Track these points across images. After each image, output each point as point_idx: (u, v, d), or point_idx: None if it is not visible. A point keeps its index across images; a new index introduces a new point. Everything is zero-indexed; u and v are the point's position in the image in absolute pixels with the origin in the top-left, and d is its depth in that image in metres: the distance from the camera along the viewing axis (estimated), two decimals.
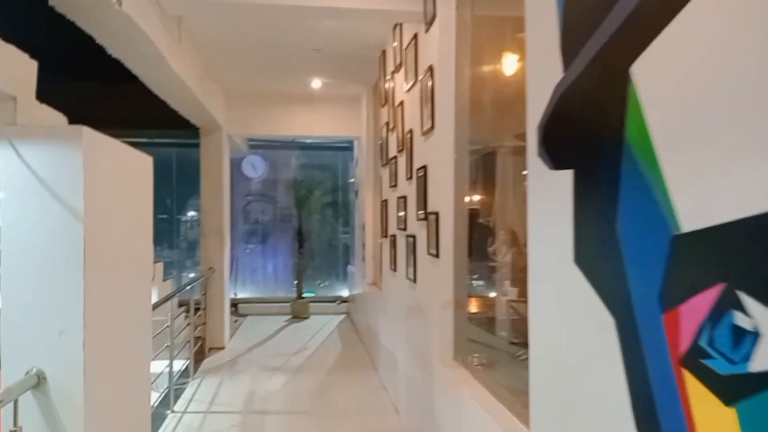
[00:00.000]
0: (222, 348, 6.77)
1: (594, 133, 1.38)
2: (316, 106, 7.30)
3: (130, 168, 2.84)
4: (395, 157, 4.66)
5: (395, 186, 4.68)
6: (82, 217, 2.08)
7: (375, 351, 5.89)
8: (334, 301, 9.58)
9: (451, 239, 3.19)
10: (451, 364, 3.19)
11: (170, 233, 9.95)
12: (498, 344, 3.46)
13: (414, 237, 3.89)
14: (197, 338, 6.46)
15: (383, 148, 5.31)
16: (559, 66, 1.52)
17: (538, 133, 1.69)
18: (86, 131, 2.14)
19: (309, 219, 9.40)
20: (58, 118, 2.51)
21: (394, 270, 4.70)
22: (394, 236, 4.72)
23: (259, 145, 9.72)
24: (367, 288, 6.74)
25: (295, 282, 9.33)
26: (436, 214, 3.29)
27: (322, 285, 10.20)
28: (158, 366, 4.59)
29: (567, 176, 1.50)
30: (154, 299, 4.94)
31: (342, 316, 9.01)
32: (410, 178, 4.04)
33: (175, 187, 9.80)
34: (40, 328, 2.09)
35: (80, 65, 7.30)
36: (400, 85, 4.45)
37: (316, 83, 6.63)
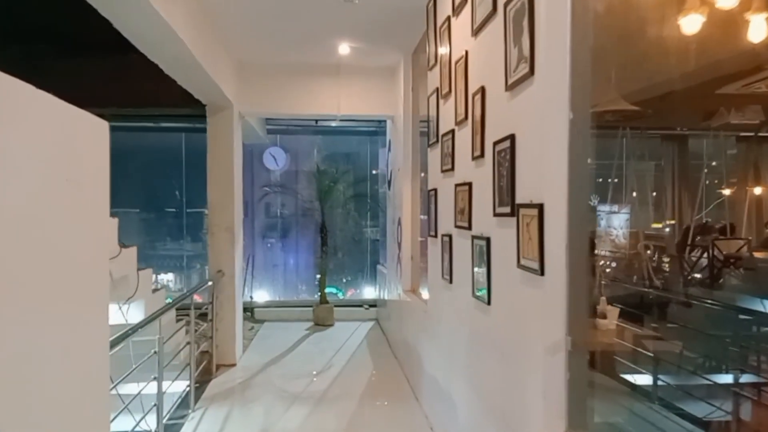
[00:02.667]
0: (233, 365, 5.71)
1: None
2: (342, 80, 6.17)
3: (66, 135, 1.75)
4: (451, 132, 3.51)
5: (450, 170, 3.53)
6: None
7: (416, 376, 4.76)
8: (360, 306, 8.48)
9: (563, 246, 2.04)
10: None
11: (179, 229, 8.95)
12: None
13: (488, 240, 2.74)
14: (203, 353, 5.42)
15: (431, 123, 4.16)
16: None
17: None
18: None
19: (333, 213, 8.29)
20: None
21: (449, 281, 3.56)
22: (448, 236, 3.57)
23: (278, 130, 8.66)
24: (403, 295, 5.61)
25: (318, 284, 8.27)
26: (539, 207, 2.13)
27: (346, 281, 9.14)
28: (148, 400, 3.54)
29: None
30: (140, 316, 3.89)
31: (370, 323, 7.91)
32: (480, 156, 2.89)
33: (185, 178, 8.79)
34: None
35: (74, 38, 6.31)
36: (461, 32, 3.29)
37: (344, 49, 5.49)
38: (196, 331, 5.66)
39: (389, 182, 6.83)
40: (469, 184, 3.10)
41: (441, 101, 3.85)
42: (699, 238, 6.71)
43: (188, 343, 4.43)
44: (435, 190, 4.01)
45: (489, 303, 2.74)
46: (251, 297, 8.32)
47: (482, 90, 2.87)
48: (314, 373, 5.50)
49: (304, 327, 7.62)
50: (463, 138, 3.26)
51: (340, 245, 8.68)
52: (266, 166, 8.99)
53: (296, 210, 9.20)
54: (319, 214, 8.05)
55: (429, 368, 4.22)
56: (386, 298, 7.16)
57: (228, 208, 5.82)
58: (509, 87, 2.47)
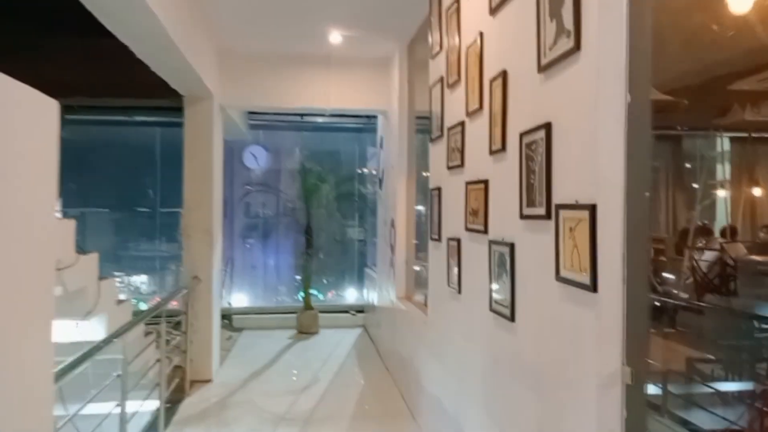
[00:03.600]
0: (209, 381, 5.24)
1: None
2: (333, 72, 5.75)
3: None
4: (461, 124, 3.12)
5: (459, 166, 3.14)
6: None
7: (413, 393, 4.36)
8: (347, 312, 8.05)
9: (620, 257, 1.66)
10: None
11: (152, 230, 8.43)
12: None
13: (511, 246, 2.35)
14: (176, 368, 4.95)
15: (434, 116, 3.77)
16: None
17: None
18: None
19: (318, 213, 7.85)
20: None
21: (457, 290, 3.16)
22: (456, 240, 3.18)
23: (261, 125, 8.19)
24: (397, 302, 5.21)
25: (301, 290, 7.84)
26: (590, 209, 1.75)
27: (327, 282, 8.72)
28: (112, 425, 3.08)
29: None
30: (102, 333, 3.42)
31: (357, 331, 7.49)
32: (500, 150, 2.50)
33: (160, 175, 8.27)
34: None
35: (36, 17, 5.78)
36: (474, 12, 2.91)
37: (335, 38, 5.08)
38: (168, 342, 5.21)
39: (380, 181, 6.43)
40: (485, 182, 2.71)
41: (447, 91, 3.46)
42: (701, 239, 6.45)
43: (158, 360, 3.95)
44: (439, 188, 3.62)
45: (513, 319, 2.35)
46: (229, 303, 7.84)
47: (503, 75, 2.49)
48: (294, 376, 5.07)
49: (287, 335, 7.16)
50: (477, 130, 2.87)
51: (325, 247, 8.24)
52: (246, 165, 8.54)
53: (279, 210, 8.75)
54: (303, 214, 7.60)
55: (430, 387, 3.82)
56: (376, 303, 6.75)
57: (205, 207, 5.36)
58: (544, 68, 2.08)
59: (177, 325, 5.04)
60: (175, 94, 5.34)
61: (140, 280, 9.00)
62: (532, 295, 2.19)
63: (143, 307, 9.05)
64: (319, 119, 8.14)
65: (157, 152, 8.27)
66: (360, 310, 7.94)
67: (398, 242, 5.27)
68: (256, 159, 8.56)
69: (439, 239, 3.60)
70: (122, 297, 4.49)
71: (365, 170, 8.86)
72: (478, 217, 2.81)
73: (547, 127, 2.04)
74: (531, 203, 2.17)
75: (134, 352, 3.72)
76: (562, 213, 1.92)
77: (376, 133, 7.21)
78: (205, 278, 5.33)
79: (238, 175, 8.63)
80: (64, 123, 7.76)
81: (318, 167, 7.79)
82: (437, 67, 3.71)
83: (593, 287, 1.73)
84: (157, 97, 5.71)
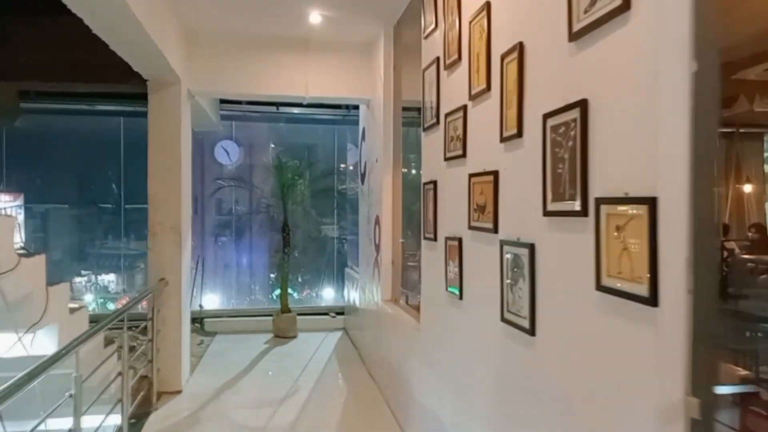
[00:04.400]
0: (178, 392, 4.81)
1: None
2: (312, 57, 5.35)
3: None
4: (462, 109, 2.78)
5: (460, 156, 2.80)
6: None
7: (402, 404, 4.02)
8: (326, 314, 7.67)
9: (683, 262, 1.33)
10: None
11: (116, 228, 7.90)
12: None
13: (531, 247, 2.02)
14: (142, 379, 4.52)
15: (427, 102, 3.42)
16: None
17: None
18: None
19: (295, 210, 7.43)
20: None
21: (458, 296, 2.82)
22: (457, 240, 2.84)
23: (233, 116, 7.73)
24: (382, 305, 4.86)
25: (277, 290, 7.44)
26: (650, 203, 1.41)
27: (302, 280, 8.33)
28: None
29: None
30: (51, 347, 2.98)
31: (338, 334, 7.12)
32: (515, 136, 2.16)
33: (123, 169, 7.74)
34: None
35: None
36: None
37: (315, 18, 4.68)
38: (132, 350, 4.78)
39: (362, 176, 6.05)
40: (494, 174, 2.37)
41: (444, 74, 3.11)
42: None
43: (119, 374, 3.52)
44: (434, 182, 3.27)
45: (532, 333, 2.01)
46: (201, 306, 7.37)
47: (519, 48, 2.15)
48: (279, 399, 4.68)
49: (263, 340, 6.75)
50: (484, 114, 2.53)
51: (302, 245, 7.84)
52: (217, 160, 8.10)
53: (252, 207, 8.31)
54: (279, 211, 7.18)
55: (423, 399, 3.48)
56: (358, 305, 6.38)
57: (173, 203, 4.91)
58: (576, 35, 1.74)
59: (144, 330, 4.60)
60: (138, 79, 4.88)
61: (108, 279, 8.57)
62: (559, 305, 1.85)
63: (111, 307, 8.65)
64: (295, 110, 7.72)
65: (121, 144, 7.74)
66: (340, 311, 7.56)
67: (384, 241, 4.90)
68: (228, 154, 8.13)
69: (434, 238, 3.26)
70: (75, 303, 4.02)
71: (345, 165, 8.48)
72: (485, 213, 2.47)
73: (582, 105, 1.70)
74: (558, 197, 1.83)
75: (92, 365, 3.30)
76: (605, 208, 1.58)
77: (355, 125, 6.83)
78: (173, 280, 4.89)
79: (209, 170, 8.17)
80: (20, 111, 7.19)
81: (295, 161, 7.36)
82: (432, 48, 3.35)
83: (652, 300, 1.40)
84: (119, 81, 5.24)
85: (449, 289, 2.96)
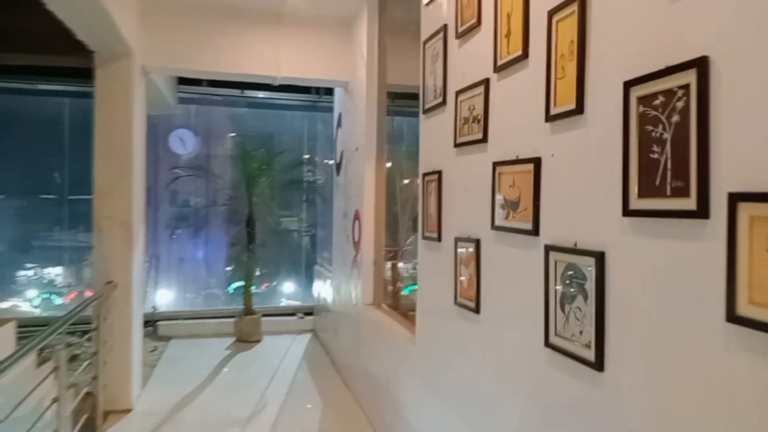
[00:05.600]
0: (128, 411, 4.19)
1: None
2: (285, 32, 4.77)
3: None
4: (482, 84, 2.29)
5: (479, 141, 2.32)
6: None
7: (387, 422, 3.53)
8: (293, 314, 7.10)
9: None
10: None
11: (59, 221, 7.11)
12: None
13: (599, 256, 1.55)
14: (87, 396, 3.89)
15: (429, 79, 2.92)
16: None
17: None
18: None
19: (261, 203, 6.82)
20: None
21: (473, 309, 2.34)
22: (473, 242, 2.36)
23: (193, 99, 7.05)
24: (363, 310, 4.36)
25: (236, 288, 6.85)
26: None
27: (260, 274, 7.73)
28: None
29: None
30: None
31: (306, 336, 6.59)
32: (571, 112, 1.69)
33: (68, 156, 6.95)
34: None
35: None
36: None
37: None
38: (75, 359, 4.16)
39: (338, 166, 5.51)
40: (535, 161, 1.90)
41: (453, 44, 2.62)
42: None
43: (55, 400, 2.90)
44: (438, 173, 2.78)
45: (600, 368, 1.55)
46: (154, 307, 6.68)
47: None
48: (245, 417, 4.12)
49: (224, 345, 6.14)
50: (517, 88, 2.05)
51: (269, 240, 7.23)
52: (173, 149, 7.41)
53: (214, 199, 7.67)
54: (244, 203, 6.56)
55: (421, 426, 2.99)
56: (331, 307, 5.86)
57: (124, 195, 4.27)
58: None
59: (89, 338, 3.97)
60: (83, 51, 4.20)
61: (55, 272, 7.90)
62: (650, 336, 1.39)
63: (57, 301, 7.92)
64: (261, 94, 7.08)
65: (66, 128, 6.94)
66: (308, 312, 7.01)
67: (365, 238, 4.40)
68: (184, 144, 7.44)
69: (437, 239, 2.77)
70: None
71: (316, 155, 7.92)
72: (519, 211, 2.00)
73: (701, 65, 1.24)
74: (652, 191, 1.37)
75: (18, 393, 2.69)
76: (745, 208, 1.13)
77: (328, 112, 6.29)
78: (122, 282, 4.25)
79: (165, 158, 7.46)
80: None
81: (261, 150, 6.74)
82: (435, 16, 2.86)
83: None
84: (59, 53, 4.53)
85: (460, 299, 2.49)
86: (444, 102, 2.71)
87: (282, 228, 8.20)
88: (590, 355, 1.58)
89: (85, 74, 4.55)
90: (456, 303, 2.52)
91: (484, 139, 2.28)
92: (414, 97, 3.11)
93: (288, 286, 8.22)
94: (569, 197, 1.73)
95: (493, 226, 2.19)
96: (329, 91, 6.41)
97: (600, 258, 1.55)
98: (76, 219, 7.29)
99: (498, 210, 2.16)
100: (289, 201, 7.86)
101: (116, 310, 4.21)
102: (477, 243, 2.33)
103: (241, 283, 6.73)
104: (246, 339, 6.28)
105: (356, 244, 4.62)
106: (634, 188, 1.43)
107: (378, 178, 4.38)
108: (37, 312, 7.56)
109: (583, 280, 1.63)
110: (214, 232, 7.87)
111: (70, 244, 7.47)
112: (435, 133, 2.84)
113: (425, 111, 2.98)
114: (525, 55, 1.98)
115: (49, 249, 7.53)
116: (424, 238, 2.97)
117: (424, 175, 2.97)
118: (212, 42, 4.66)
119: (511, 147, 2.09)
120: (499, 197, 2.15)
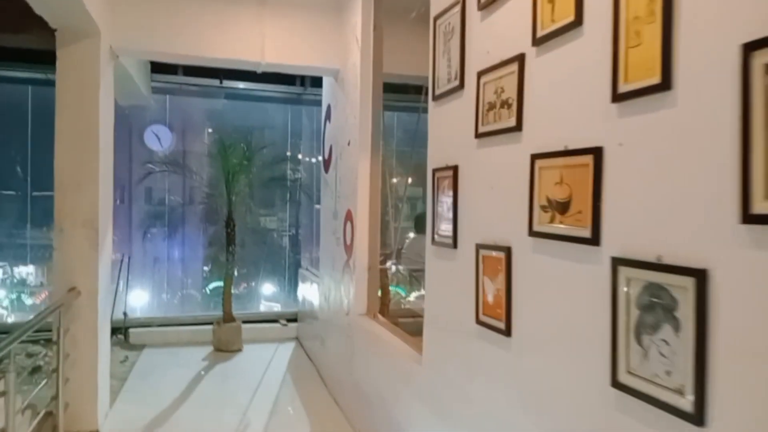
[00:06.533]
0: None
1: None
2: (269, 14, 4.35)
3: None
4: (515, 61, 1.92)
5: (511, 130, 1.94)
6: None
7: None
8: (276, 321, 6.67)
9: None
10: None
11: (22, 220, 6.58)
12: None
13: (699, 275, 1.19)
14: (46, 417, 3.44)
15: (441, 61, 2.54)
16: None
17: None
18: None
19: (241, 201, 6.38)
20: None
21: (503, 332, 1.97)
22: (504, 250, 1.98)
23: (168, 89, 6.56)
24: (357, 320, 3.97)
25: (212, 285, 6.40)
26: None
27: (238, 275, 7.27)
28: None
29: None
30: None
31: (290, 345, 6.16)
32: (654, 89, 1.32)
33: (31, 149, 6.42)
34: None
35: None
36: None
37: None
38: (38, 371, 3.71)
39: (326, 162, 5.10)
40: (594, 152, 1.53)
41: (476, 16, 2.24)
42: None
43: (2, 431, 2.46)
44: (453, 168, 2.39)
45: (700, 422, 1.19)
46: (125, 313, 6.18)
47: None
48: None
49: (201, 354, 5.68)
50: (566, 64, 1.68)
51: (249, 241, 6.80)
52: (147, 146, 6.94)
53: (186, 197, 7.21)
54: (223, 202, 6.11)
55: None
56: (318, 314, 5.44)
57: (89, 192, 3.80)
58: None
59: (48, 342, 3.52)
60: (43, 27, 3.72)
61: (27, 270, 7.48)
62: None
63: (28, 302, 7.42)
64: (241, 84, 6.62)
65: (29, 118, 6.40)
66: (292, 318, 6.58)
67: (359, 242, 4.00)
68: (160, 140, 6.98)
69: (452, 245, 2.39)
70: None
71: (300, 151, 7.49)
72: (569, 215, 1.63)
73: None
74: None
75: None
76: None
77: (314, 105, 5.87)
78: (87, 289, 3.79)
79: (140, 154, 6.98)
80: None
81: (242, 145, 6.29)
82: None
83: None
84: (17, 31, 4.04)
85: (483, 317, 2.11)
86: (461, 86, 2.33)
87: (262, 227, 7.79)
88: (685, 404, 1.22)
89: (49, 59, 4.05)
90: (478, 322, 2.15)
91: (518, 127, 1.91)
92: (405, 90, 2.75)
93: (268, 288, 7.80)
94: (648, 197, 1.36)
95: (531, 232, 1.82)
96: (315, 83, 6.00)
97: (701, 277, 1.19)
98: (42, 217, 6.77)
99: (538, 212, 1.79)
100: (271, 199, 7.43)
101: (80, 320, 3.75)
102: (508, 251, 1.96)
103: (219, 284, 6.30)
104: (225, 348, 5.82)
105: (348, 248, 4.23)
106: (759, 187, 1.07)
107: (373, 175, 3.99)
108: (5, 314, 7.11)
109: (672, 306, 1.26)
110: (190, 232, 7.44)
111: (40, 242, 6.97)
112: (449, 123, 2.47)
113: (435, 98, 2.60)
114: (578, 21, 1.61)
115: (17, 246, 7.02)
116: (434, 243, 2.59)
117: (435, 171, 2.58)
118: (190, 23, 4.21)
119: (556, 135, 1.71)
120: (539, 197, 1.78)
